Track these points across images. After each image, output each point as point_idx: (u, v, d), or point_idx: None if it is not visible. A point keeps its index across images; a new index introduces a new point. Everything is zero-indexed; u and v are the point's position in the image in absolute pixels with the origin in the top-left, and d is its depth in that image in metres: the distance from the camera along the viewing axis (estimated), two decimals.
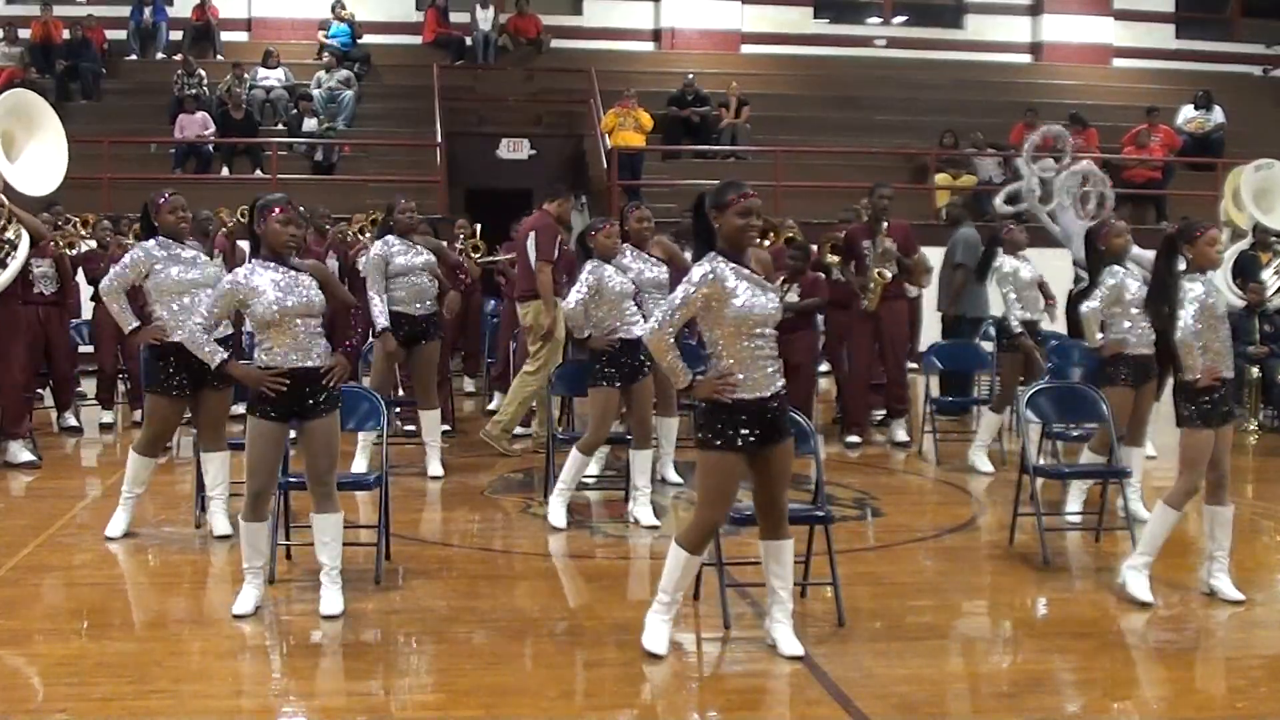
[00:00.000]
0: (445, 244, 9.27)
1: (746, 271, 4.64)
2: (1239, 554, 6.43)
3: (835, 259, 9.66)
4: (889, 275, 9.28)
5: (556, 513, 6.87)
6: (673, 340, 4.68)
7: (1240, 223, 11.39)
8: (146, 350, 6.45)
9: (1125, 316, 6.89)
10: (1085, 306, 7.04)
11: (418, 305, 8.03)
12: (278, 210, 5.18)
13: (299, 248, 5.32)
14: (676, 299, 4.65)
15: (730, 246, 4.65)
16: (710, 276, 4.57)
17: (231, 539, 6.38)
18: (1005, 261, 8.56)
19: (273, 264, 5.18)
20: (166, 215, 6.37)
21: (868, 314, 9.35)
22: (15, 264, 8.30)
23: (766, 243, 10.18)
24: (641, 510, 6.87)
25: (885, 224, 9.39)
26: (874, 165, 16.91)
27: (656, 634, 4.81)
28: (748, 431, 4.61)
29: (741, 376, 4.60)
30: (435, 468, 8.26)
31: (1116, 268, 6.96)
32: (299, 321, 5.12)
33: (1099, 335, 6.99)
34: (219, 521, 6.51)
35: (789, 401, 4.85)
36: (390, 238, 8.11)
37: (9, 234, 8.26)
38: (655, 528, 6.79)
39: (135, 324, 6.37)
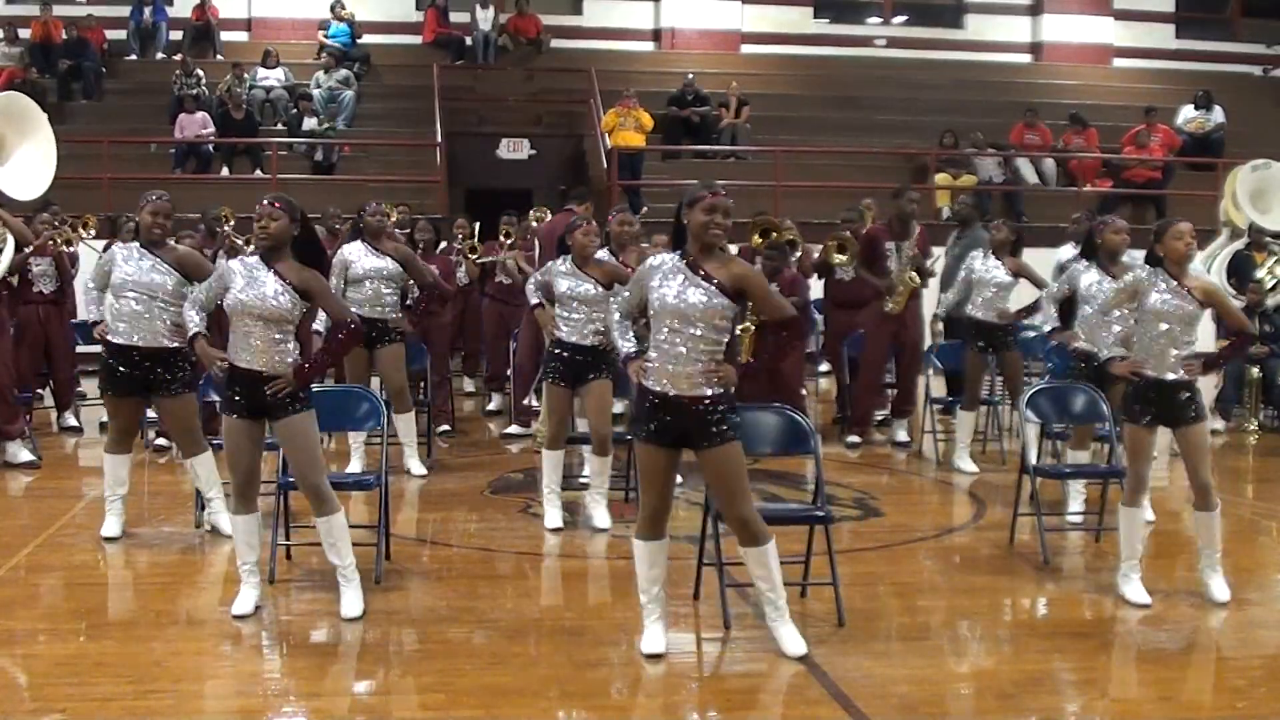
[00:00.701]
0: (416, 256, 9.17)
1: (690, 272, 4.65)
2: (1239, 554, 6.45)
3: (842, 258, 9.64)
4: (918, 280, 9.31)
5: (550, 515, 6.90)
6: (624, 320, 4.92)
7: (1240, 223, 11.40)
8: (103, 350, 6.48)
9: (1083, 311, 7.06)
10: (1043, 292, 7.27)
11: (373, 308, 7.95)
12: (258, 206, 5.23)
13: (267, 246, 5.21)
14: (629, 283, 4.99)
15: (696, 244, 4.69)
16: (648, 269, 4.76)
17: None
18: (975, 259, 8.58)
19: (260, 263, 5.21)
20: (145, 215, 6.30)
21: (888, 315, 9.34)
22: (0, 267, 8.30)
23: (771, 239, 10.16)
24: (596, 510, 6.91)
25: (918, 227, 9.43)
26: (874, 165, 16.92)
27: (649, 636, 4.84)
28: (661, 424, 4.66)
29: (653, 364, 4.66)
30: (416, 466, 8.25)
31: (1088, 265, 7.08)
32: (250, 321, 5.13)
33: (1049, 321, 7.34)
34: (223, 521, 6.51)
35: (783, 401, 4.86)
36: (357, 243, 8.09)
37: None
38: (603, 530, 6.80)
39: (97, 317, 6.46)
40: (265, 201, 5.22)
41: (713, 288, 4.62)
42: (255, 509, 5.30)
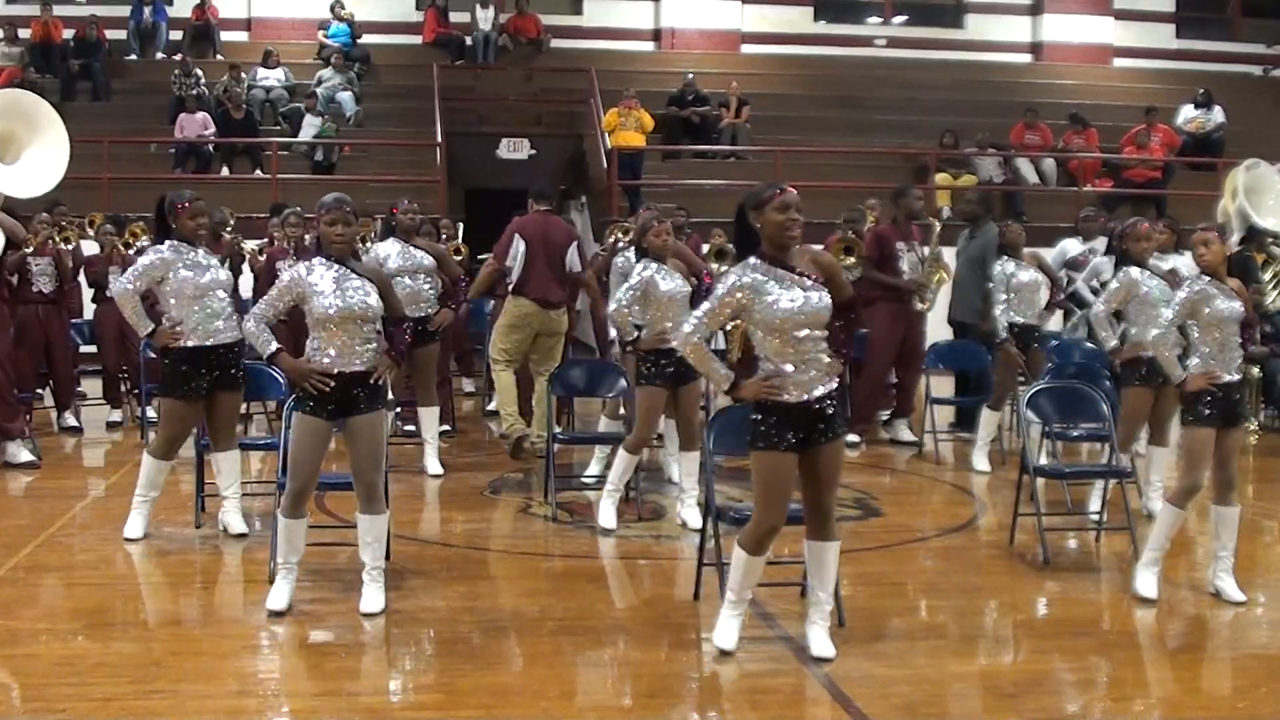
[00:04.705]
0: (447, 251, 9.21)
1: (783, 272, 4.60)
2: (1239, 554, 6.44)
3: (849, 260, 9.60)
4: (947, 277, 9.32)
5: (606, 514, 6.81)
6: (704, 345, 4.72)
7: (1234, 223, 11.39)
8: (161, 354, 6.40)
9: (1141, 316, 6.85)
10: (1095, 309, 7.05)
11: (412, 308, 8.03)
12: (325, 212, 5.21)
13: (347, 247, 5.25)
14: (707, 304, 4.70)
15: (772, 245, 4.64)
16: (740, 283, 4.59)
17: (248, 537, 6.41)
18: (1002, 265, 8.56)
19: (333, 264, 5.20)
20: (186, 220, 6.26)
21: (895, 316, 9.37)
22: None
23: None
24: (688, 512, 6.77)
25: (938, 225, 9.42)
26: (874, 165, 16.93)
27: (724, 630, 4.82)
28: (794, 432, 4.61)
29: (787, 377, 4.59)
30: (434, 466, 8.27)
31: (1132, 269, 6.89)
32: (351, 325, 5.15)
33: (1113, 338, 6.97)
34: (234, 520, 6.52)
35: None
36: (391, 241, 8.24)
37: None
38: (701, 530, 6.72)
39: (151, 326, 6.32)
40: (336, 207, 5.18)
41: (818, 286, 4.61)
42: (306, 514, 5.31)
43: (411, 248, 8.21)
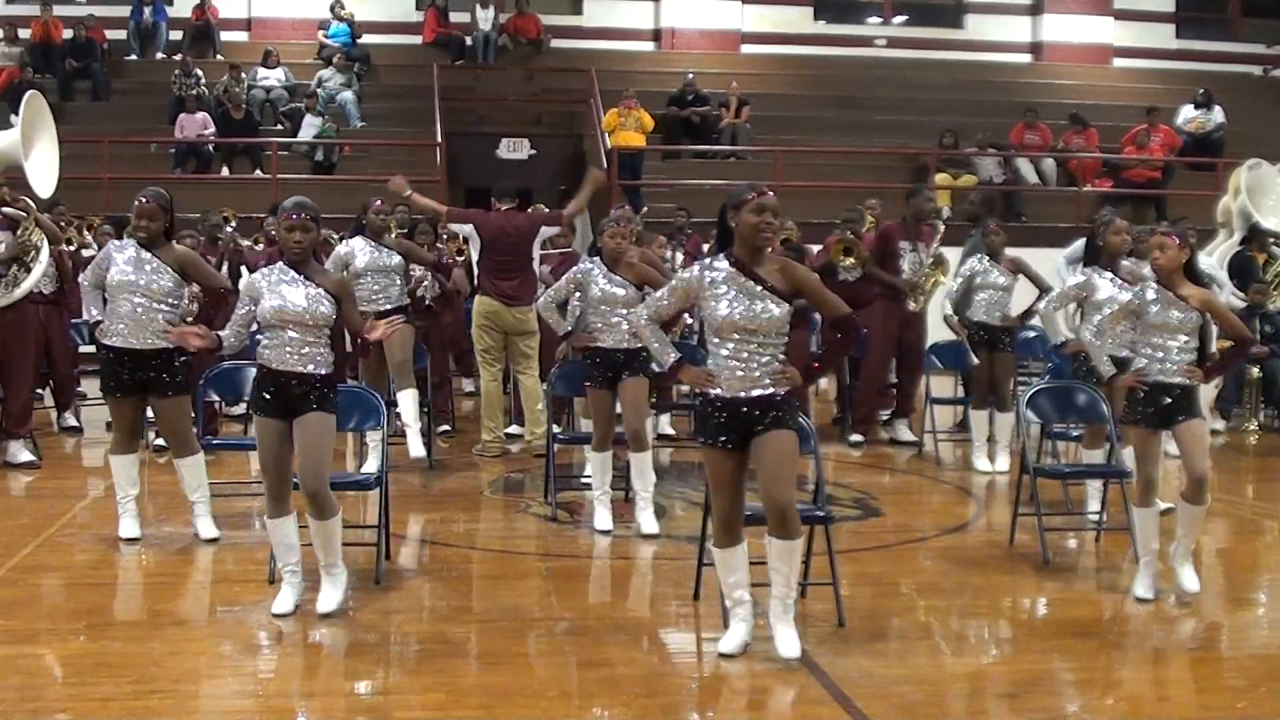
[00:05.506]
0: (415, 244, 9.19)
1: (742, 276, 4.62)
2: (1239, 554, 6.46)
3: (848, 261, 9.61)
4: (945, 279, 9.35)
5: (601, 518, 6.81)
6: (654, 325, 4.86)
7: (1235, 222, 11.42)
8: (100, 349, 6.48)
9: (1095, 317, 6.89)
10: (1043, 303, 7.20)
11: (380, 304, 8.04)
12: (284, 217, 5.22)
13: (304, 253, 5.21)
14: (664, 289, 4.90)
15: (745, 246, 4.67)
16: (693, 277, 4.72)
17: (218, 541, 6.39)
18: (975, 260, 8.61)
19: (289, 268, 5.21)
20: (134, 220, 6.27)
21: (889, 313, 9.39)
22: (39, 268, 8.32)
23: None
24: (642, 516, 6.74)
25: (943, 227, 9.45)
26: (874, 165, 16.94)
27: (729, 637, 4.84)
28: (727, 428, 4.66)
29: (718, 374, 4.66)
30: (417, 448, 8.17)
31: (1089, 272, 7.04)
32: (291, 328, 5.14)
33: (1059, 334, 7.13)
34: (204, 525, 6.48)
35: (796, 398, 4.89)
36: (359, 239, 8.21)
37: (34, 237, 8.25)
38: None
39: (98, 318, 6.44)
40: (295, 214, 5.18)
41: (775, 297, 4.61)
42: (291, 510, 5.28)
43: (380, 246, 8.19)
